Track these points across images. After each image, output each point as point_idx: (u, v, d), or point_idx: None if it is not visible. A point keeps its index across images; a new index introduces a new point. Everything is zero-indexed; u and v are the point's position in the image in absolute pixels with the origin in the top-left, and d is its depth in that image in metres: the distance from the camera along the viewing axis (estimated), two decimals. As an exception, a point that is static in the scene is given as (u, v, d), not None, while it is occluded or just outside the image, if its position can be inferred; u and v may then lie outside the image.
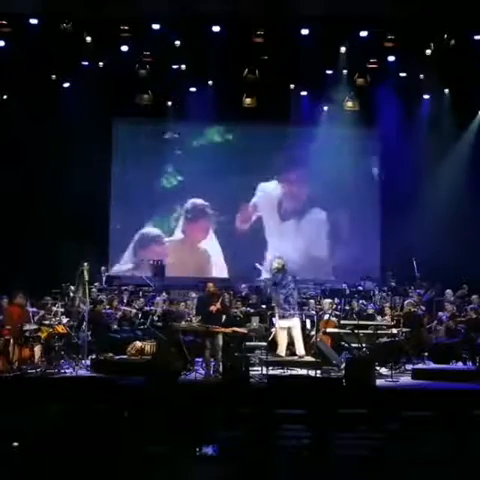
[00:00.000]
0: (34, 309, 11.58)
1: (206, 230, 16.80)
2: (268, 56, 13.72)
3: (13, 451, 4.87)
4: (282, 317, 11.13)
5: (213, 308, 10.64)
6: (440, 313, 12.60)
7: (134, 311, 12.48)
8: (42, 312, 11.59)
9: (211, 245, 16.73)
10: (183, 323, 11.31)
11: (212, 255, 16.66)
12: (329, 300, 12.36)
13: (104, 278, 14.67)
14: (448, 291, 13.26)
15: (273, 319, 11.63)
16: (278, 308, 11.24)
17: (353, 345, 11.25)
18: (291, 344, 11.20)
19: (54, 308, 11.76)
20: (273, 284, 11.43)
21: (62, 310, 11.75)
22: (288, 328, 11.14)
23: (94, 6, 11.86)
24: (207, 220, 16.76)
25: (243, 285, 14.27)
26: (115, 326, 12.08)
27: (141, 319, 12.25)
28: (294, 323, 11.13)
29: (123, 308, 12.53)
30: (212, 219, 16.70)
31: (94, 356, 11.15)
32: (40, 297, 12.22)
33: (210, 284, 11.11)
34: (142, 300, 13.07)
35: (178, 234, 16.82)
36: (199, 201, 16.72)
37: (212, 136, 16.86)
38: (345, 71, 14.46)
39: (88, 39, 13.01)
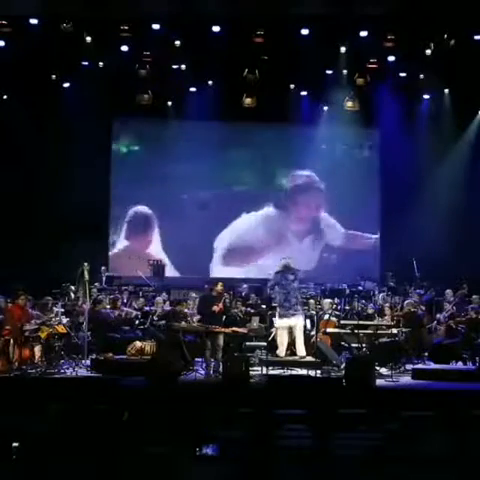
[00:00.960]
0: (37, 312, 11.56)
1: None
2: (268, 56, 13.74)
3: (13, 451, 4.87)
4: (282, 316, 11.07)
5: (216, 308, 10.62)
6: (438, 315, 12.58)
7: (135, 313, 12.46)
8: (45, 317, 11.56)
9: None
10: (183, 323, 11.30)
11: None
12: (329, 300, 12.35)
13: (104, 278, 14.68)
14: (448, 291, 13.25)
15: (273, 319, 11.63)
16: (279, 307, 11.20)
17: (353, 345, 11.24)
18: (292, 344, 11.16)
19: (54, 308, 11.75)
20: (274, 284, 11.35)
21: (62, 310, 11.75)
22: (289, 328, 11.08)
23: (94, 6, 11.86)
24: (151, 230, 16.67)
25: (244, 285, 14.27)
26: (115, 326, 12.05)
27: (141, 319, 12.24)
28: (295, 322, 11.00)
29: (126, 309, 12.50)
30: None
31: (94, 356, 11.14)
32: (40, 297, 12.21)
33: (219, 284, 11.05)
34: (142, 300, 13.06)
35: (121, 243, 16.69)
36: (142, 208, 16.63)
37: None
38: (345, 71, 14.47)
39: (88, 39, 13.03)
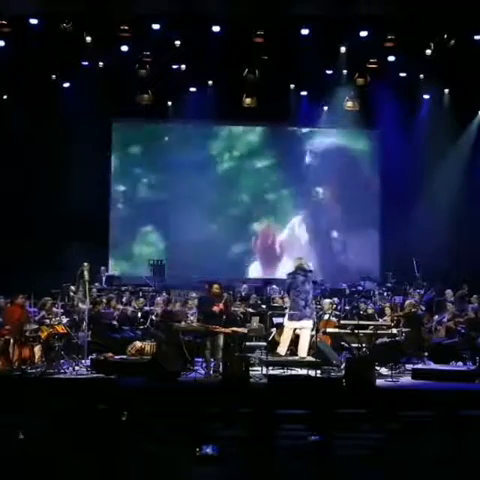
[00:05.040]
0: (34, 309, 11.57)
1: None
2: (268, 56, 13.74)
3: (13, 451, 4.87)
4: (290, 319, 11.02)
5: (216, 308, 10.60)
6: (438, 317, 12.57)
7: (130, 309, 12.45)
8: (42, 312, 11.58)
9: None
10: (183, 323, 11.29)
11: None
12: (329, 300, 12.33)
13: (104, 278, 14.68)
14: (448, 291, 13.25)
15: (274, 319, 11.63)
16: (288, 309, 11.17)
17: (353, 345, 11.23)
18: (292, 344, 11.13)
19: (54, 308, 11.74)
20: (288, 286, 11.28)
21: (62, 310, 11.75)
22: (295, 329, 11.05)
23: (94, 6, 11.87)
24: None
25: (244, 285, 14.26)
26: (115, 326, 12.05)
27: (141, 319, 12.24)
28: (303, 325, 10.89)
29: (121, 307, 12.50)
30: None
31: (94, 356, 11.13)
32: (40, 297, 12.21)
33: (216, 285, 10.93)
34: (142, 300, 13.06)
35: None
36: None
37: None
38: (345, 71, 14.48)
39: (88, 39, 13.03)
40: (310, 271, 11.20)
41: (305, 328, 10.93)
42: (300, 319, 10.89)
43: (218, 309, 10.59)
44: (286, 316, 11.13)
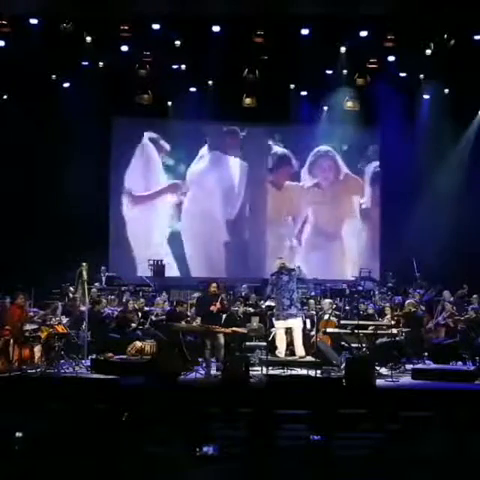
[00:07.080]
0: (34, 309, 11.56)
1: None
2: (268, 56, 13.74)
3: (13, 451, 4.87)
4: (277, 318, 11.07)
5: (213, 308, 10.61)
6: (438, 318, 12.57)
7: (133, 316, 12.42)
8: (42, 312, 11.58)
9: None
10: (183, 323, 11.29)
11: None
12: (329, 300, 12.34)
13: (104, 278, 14.67)
14: (446, 292, 13.22)
15: (272, 319, 11.64)
16: (275, 310, 11.21)
17: (353, 345, 11.24)
18: (291, 344, 11.16)
19: (58, 312, 11.72)
20: (272, 287, 11.34)
21: (62, 310, 11.74)
22: (286, 329, 11.08)
23: (94, 6, 11.86)
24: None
25: (244, 285, 14.26)
26: (115, 326, 12.03)
27: (141, 319, 12.24)
28: (291, 324, 10.97)
29: (127, 312, 12.47)
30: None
31: (94, 356, 11.13)
32: (41, 297, 12.20)
33: (213, 284, 11.02)
34: (142, 300, 13.06)
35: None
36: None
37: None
38: (345, 71, 14.48)
39: (88, 39, 13.04)
40: (293, 270, 11.33)
41: (295, 327, 10.99)
42: (286, 318, 10.96)
43: (215, 308, 10.61)
44: (274, 317, 11.19)
